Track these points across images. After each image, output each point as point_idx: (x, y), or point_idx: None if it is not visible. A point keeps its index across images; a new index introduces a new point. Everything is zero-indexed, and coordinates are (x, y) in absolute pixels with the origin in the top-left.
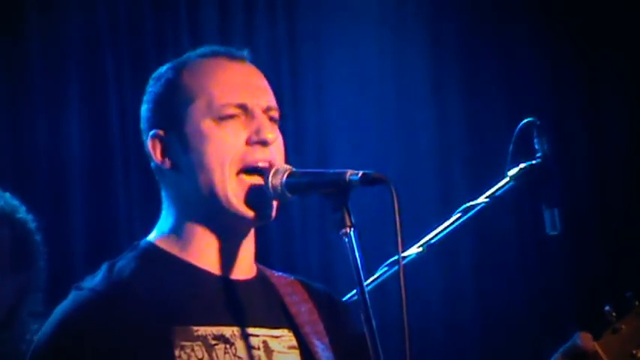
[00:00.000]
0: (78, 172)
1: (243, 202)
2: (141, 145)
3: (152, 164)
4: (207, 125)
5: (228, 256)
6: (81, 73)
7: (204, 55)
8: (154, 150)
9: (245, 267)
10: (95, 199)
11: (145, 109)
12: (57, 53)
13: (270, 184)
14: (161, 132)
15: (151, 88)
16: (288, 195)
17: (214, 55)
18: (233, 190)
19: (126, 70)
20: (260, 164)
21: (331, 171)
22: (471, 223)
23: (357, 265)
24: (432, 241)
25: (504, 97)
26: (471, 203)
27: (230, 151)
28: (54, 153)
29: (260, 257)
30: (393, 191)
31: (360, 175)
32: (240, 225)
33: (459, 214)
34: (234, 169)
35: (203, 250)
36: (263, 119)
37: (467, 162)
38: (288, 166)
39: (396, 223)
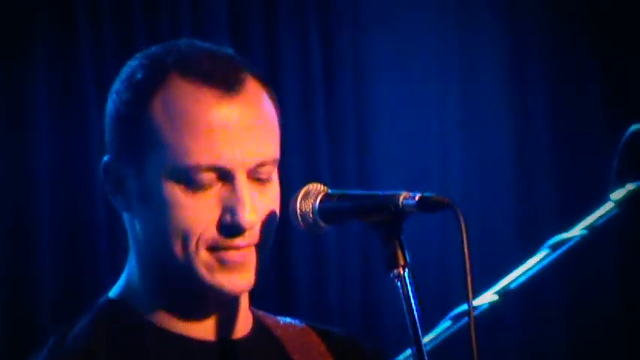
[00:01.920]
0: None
1: (219, 271)
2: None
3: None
4: (171, 189)
5: (214, 313)
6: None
7: (191, 76)
8: (108, 180)
9: (237, 320)
10: (66, 238)
11: (108, 111)
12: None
13: (297, 211)
14: (117, 162)
15: (114, 95)
16: (322, 225)
17: (204, 81)
18: (203, 262)
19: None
20: (230, 256)
21: (380, 193)
22: (562, 263)
23: (414, 317)
24: (512, 285)
25: (605, 98)
26: (563, 236)
27: (196, 230)
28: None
29: (282, 301)
30: (461, 219)
31: (417, 198)
32: (216, 299)
33: (546, 251)
34: (203, 247)
35: (174, 312)
36: (244, 191)
37: (556, 182)
38: (321, 186)
39: (464, 262)
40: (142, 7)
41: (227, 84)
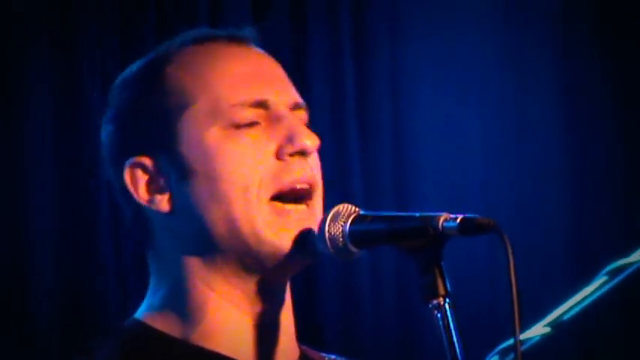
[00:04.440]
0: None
1: (282, 232)
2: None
3: (128, 210)
4: (215, 137)
5: (256, 330)
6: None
7: (194, 41)
8: (135, 185)
9: (283, 347)
10: (68, 254)
11: (109, 133)
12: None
13: (326, 234)
14: (144, 158)
15: (117, 99)
16: (354, 250)
17: (210, 39)
18: (265, 220)
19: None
20: (298, 186)
21: (417, 215)
22: (621, 291)
23: (455, 352)
24: (566, 316)
25: None
26: (622, 262)
27: (255, 170)
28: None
29: (308, 335)
30: (508, 244)
31: (459, 220)
32: (277, 271)
33: (604, 278)
34: (266, 195)
35: (218, 326)
36: (294, 119)
37: (616, 199)
38: (352, 207)
39: (511, 291)
40: (154, 7)
41: (238, 37)
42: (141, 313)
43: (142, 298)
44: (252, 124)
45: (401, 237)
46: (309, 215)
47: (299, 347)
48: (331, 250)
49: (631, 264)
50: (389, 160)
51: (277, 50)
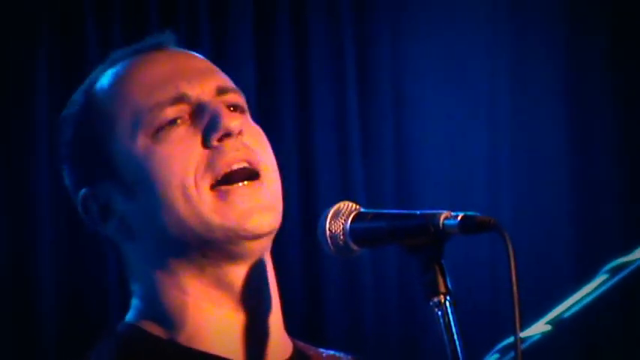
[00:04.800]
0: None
1: (228, 212)
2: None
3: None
4: (142, 146)
5: (242, 326)
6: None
7: (110, 63)
8: (89, 216)
9: (273, 342)
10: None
11: (65, 173)
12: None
13: (327, 232)
14: (91, 189)
15: (62, 138)
16: (354, 247)
17: (127, 55)
18: (210, 208)
19: None
20: (235, 166)
21: (418, 212)
22: (622, 289)
23: (455, 350)
24: (566, 314)
25: None
26: (623, 260)
27: (187, 165)
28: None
29: (311, 332)
30: (508, 242)
31: (459, 218)
32: (241, 252)
33: (604, 276)
34: (205, 185)
35: (202, 329)
36: (216, 104)
37: (619, 197)
38: (353, 205)
39: (512, 289)
40: (157, 9)
41: (151, 45)
42: (132, 316)
43: None
44: (175, 122)
45: (402, 235)
46: (255, 189)
47: (292, 343)
48: (332, 248)
49: (631, 262)
50: (391, 166)
51: (278, 53)
